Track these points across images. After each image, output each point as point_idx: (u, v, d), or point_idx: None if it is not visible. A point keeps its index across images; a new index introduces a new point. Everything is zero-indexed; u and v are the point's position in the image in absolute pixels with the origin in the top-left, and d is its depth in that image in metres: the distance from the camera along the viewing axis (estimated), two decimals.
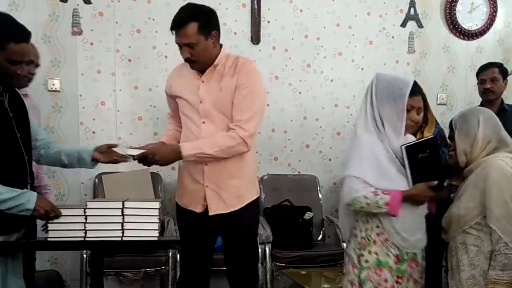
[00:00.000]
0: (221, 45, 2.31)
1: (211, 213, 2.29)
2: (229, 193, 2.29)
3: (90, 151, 2.16)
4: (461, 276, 2.00)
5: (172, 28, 2.21)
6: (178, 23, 2.19)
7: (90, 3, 3.55)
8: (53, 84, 3.52)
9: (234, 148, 2.21)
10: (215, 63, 2.25)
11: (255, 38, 3.84)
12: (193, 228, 2.37)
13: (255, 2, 3.80)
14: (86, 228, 2.04)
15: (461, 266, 2.00)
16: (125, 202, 2.07)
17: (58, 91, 3.53)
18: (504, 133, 2.11)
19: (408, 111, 2.00)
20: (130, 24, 3.63)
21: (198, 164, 2.28)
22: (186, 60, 2.23)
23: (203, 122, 2.26)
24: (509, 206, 1.91)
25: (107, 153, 2.15)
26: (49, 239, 2.05)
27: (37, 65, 2.70)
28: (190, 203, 2.35)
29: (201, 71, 2.28)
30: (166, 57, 3.65)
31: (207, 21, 2.22)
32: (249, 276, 2.43)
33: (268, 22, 3.87)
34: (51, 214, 1.98)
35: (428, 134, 2.38)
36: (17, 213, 1.90)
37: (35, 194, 1.95)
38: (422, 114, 2.11)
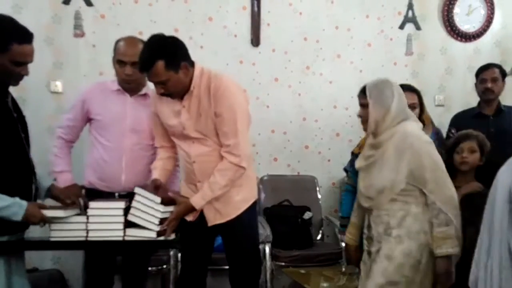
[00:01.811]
0: (193, 64, 2.23)
1: (209, 224, 2.32)
2: (224, 203, 2.31)
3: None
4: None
5: (140, 70, 2.17)
6: (145, 65, 2.12)
7: (92, 5, 3.58)
8: (56, 86, 3.55)
9: (234, 177, 2.24)
10: (191, 87, 2.22)
11: (255, 41, 3.87)
12: (192, 231, 2.39)
13: (255, 5, 3.83)
14: (88, 228, 2.07)
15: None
16: (127, 202, 2.10)
17: (61, 93, 3.56)
18: (408, 110, 2.22)
19: None
20: (132, 26, 3.63)
21: (193, 178, 2.31)
22: (162, 95, 2.21)
23: (193, 142, 2.28)
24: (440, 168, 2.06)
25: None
26: (51, 239, 2.07)
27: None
28: None
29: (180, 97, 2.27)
30: None
31: (173, 55, 2.13)
32: (252, 278, 2.45)
33: (268, 24, 3.90)
34: (41, 224, 1.99)
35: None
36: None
37: (24, 205, 1.88)
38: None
